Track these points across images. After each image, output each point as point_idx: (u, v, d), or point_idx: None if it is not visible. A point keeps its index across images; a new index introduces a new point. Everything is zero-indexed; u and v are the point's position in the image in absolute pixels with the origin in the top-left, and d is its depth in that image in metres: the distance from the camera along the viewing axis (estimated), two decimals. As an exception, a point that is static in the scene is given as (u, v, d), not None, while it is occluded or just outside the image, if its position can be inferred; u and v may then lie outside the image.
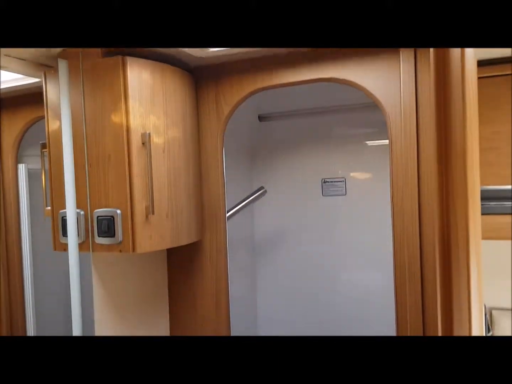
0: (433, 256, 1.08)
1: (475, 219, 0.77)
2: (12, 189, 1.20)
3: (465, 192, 0.79)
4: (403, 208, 1.13)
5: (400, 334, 1.15)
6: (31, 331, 1.12)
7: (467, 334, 0.69)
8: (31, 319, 1.13)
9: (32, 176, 1.20)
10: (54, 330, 1.14)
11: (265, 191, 1.73)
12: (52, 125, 1.12)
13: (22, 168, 1.21)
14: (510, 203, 1.15)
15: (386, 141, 1.21)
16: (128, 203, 1.04)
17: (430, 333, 1.11)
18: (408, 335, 1.14)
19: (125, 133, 1.04)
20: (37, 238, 1.19)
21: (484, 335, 0.69)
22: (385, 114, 1.15)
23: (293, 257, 1.95)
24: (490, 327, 1.47)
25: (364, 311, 1.78)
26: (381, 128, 1.78)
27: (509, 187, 1.16)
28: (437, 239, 0.83)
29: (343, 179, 1.87)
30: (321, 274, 1.88)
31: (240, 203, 1.66)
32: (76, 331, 1.10)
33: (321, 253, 1.90)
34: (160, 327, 1.41)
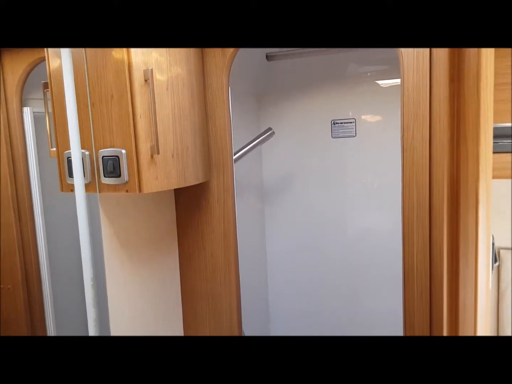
0: (442, 196, 1.07)
1: (487, 157, 0.74)
2: (19, 133, 1.19)
3: (477, 129, 0.76)
4: (413, 147, 1.10)
5: (406, 277, 1.16)
6: (44, 271, 1.15)
7: (472, 269, 0.69)
8: (44, 259, 1.16)
9: (38, 120, 1.19)
10: (66, 270, 1.17)
11: (273, 133, 1.70)
12: (53, 64, 1.09)
13: (27, 111, 1.20)
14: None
15: (398, 81, 1.16)
16: (133, 143, 1.03)
17: (436, 272, 1.12)
18: (415, 276, 1.15)
19: (127, 70, 1.01)
20: (46, 180, 1.19)
21: (490, 270, 0.68)
22: (397, 49, 1.10)
23: (301, 201, 1.95)
24: (497, 258, 1.47)
25: (373, 255, 1.80)
26: (393, 66, 1.71)
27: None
28: (446, 177, 0.81)
29: (353, 120, 1.82)
30: (329, 218, 1.88)
31: (248, 145, 1.64)
32: (87, 272, 1.13)
33: (330, 197, 1.90)
34: (169, 266, 1.44)
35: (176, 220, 1.47)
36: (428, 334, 1.15)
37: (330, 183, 1.89)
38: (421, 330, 1.16)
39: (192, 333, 1.50)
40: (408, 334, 1.17)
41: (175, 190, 1.44)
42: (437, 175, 1.07)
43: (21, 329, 1.04)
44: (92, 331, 1.14)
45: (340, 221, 1.85)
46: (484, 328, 0.65)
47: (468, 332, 0.68)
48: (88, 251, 1.12)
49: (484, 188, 0.71)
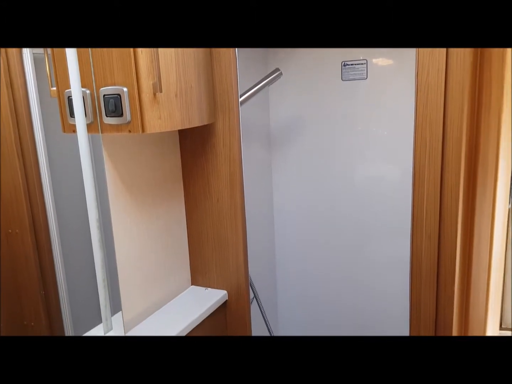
0: (457, 135, 1.02)
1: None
2: (19, 74, 1.15)
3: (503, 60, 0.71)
4: (428, 84, 1.05)
5: (415, 222, 1.14)
6: (51, 215, 1.14)
7: (489, 218, 0.66)
8: (50, 203, 1.15)
9: (38, 61, 1.14)
10: (73, 213, 1.16)
11: (281, 73, 1.64)
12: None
13: (26, 52, 1.15)
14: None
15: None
16: (134, 80, 0.99)
17: (447, 216, 1.09)
18: (424, 220, 1.12)
19: (125, 0, 0.95)
20: (49, 122, 1.17)
21: (507, 220, 0.66)
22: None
23: (309, 149, 1.91)
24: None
25: (382, 204, 1.77)
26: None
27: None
28: (467, 114, 0.76)
29: (365, 62, 1.75)
30: (337, 166, 1.84)
31: (255, 86, 1.59)
32: (92, 214, 1.12)
33: (338, 144, 1.85)
34: (175, 211, 1.43)
35: (181, 164, 1.44)
36: (435, 280, 1.14)
37: (339, 129, 1.84)
38: (428, 277, 1.15)
39: (200, 279, 1.51)
40: (414, 279, 1.17)
41: (180, 133, 1.41)
42: (453, 114, 1.02)
43: (31, 274, 1.05)
44: (99, 273, 1.14)
45: (349, 170, 1.82)
46: (496, 280, 0.63)
47: (480, 279, 0.66)
48: (93, 193, 1.10)
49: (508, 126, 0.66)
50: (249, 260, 1.49)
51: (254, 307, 1.75)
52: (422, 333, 1.16)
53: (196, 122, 1.18)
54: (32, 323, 1.06)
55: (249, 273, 1.56)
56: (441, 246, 1.12)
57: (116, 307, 1.21)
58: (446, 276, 1.13)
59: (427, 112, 1.06)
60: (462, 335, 0.73)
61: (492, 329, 0.66)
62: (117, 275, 1.20)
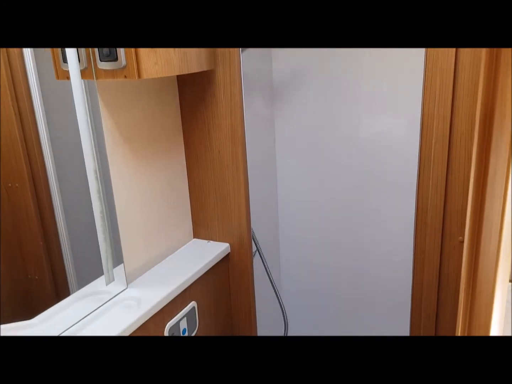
0: (469, 80, 0.97)
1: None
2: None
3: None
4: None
5: (422, 168, 1.11)
6: (50, 167, 1.11)
7: (503, 178, 0.62)
8: (48, 154, 1.12)
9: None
10: (72, 164, 1.13)
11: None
12: None
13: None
14: None
15: None
16: (128, 21, 0.93)
17: (455, 164, 1.06)
18: (431, 167, 1.09)
19: None
20: (44, 70, 1.12)
21: None
22: None
23: (313, 103, 1.85)
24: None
25: (386, 160, 1.73)
26: None
27: None
28: (483, 67, 0.71)
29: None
30: (342, 120, 1.79)
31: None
32: (89, 164, 1.09)
33: (343, 96, 1.79)
34: (175, 163, 1.40)
35: (181, 115, 1.40)
36: (440, 231, 1.12)
37: (344, 81, 1.77)
38: (433, 227, 1.13)
39: (202, 232, 1.50)
40: (418, 230, 1.15)
41: (179, 82, 1.36)
42: (465, 59, 0.97)
43: (32, 228, 1.04)
44: (99, 225, 1.13)
45: (354, 123, 1.77)
46: (509, 229, 0.60)
47: (492, 229, 0.63)
48: (89, 142, 1.07)
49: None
50: (251, 216, 1.47)
51: (257, 262, 1.75)
52: (425, 284, 1.16)
53: (194, 68, 1.13)
54: (36, 277, 1.05)
55: (252, 227, 1.55)
56: (448, 197, 1.09)
57: (118, 259, 1.20)
58: (451, 227, 1.11)
59: (438, 57, 1.01)
60: (469, 287, 0.71)
61: (502, 281, 0.64)
62: (117, 227, 1.19)
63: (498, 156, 0.62)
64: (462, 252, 1.11)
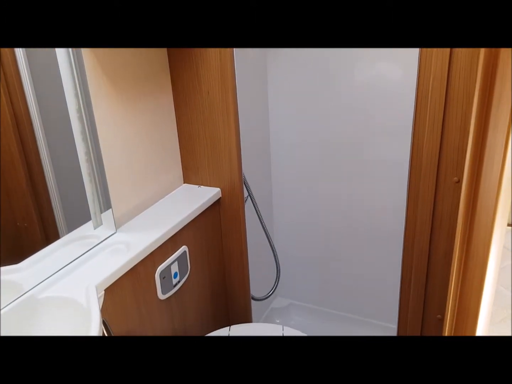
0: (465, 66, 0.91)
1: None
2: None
3: None
4: None
5: (417, 123, 1.06)
6: (33, 110, 1.06)
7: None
8: (31, 97, 1.06)
9: None
10: (56, 106, 1.08)
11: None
12: None
13: None
14: None
15: None
16: None
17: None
18: (427, 116, 1.05)
19: None
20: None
21: None
22: None
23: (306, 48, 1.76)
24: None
25: (381, 103, 1.68)
26: None
27: None
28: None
29: None
30: (336, 66, 1.71)
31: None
32: (71, 104, 1.04)
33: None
34: (163, 107, 1.35)
35: (168, 53, 1.33)
36: (435, 172, 1.09)
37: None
38: (428, 168, 1.10)
39: (193, 177, 1.47)
40: (413, 174, 1.12)
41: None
42: None
43: (18, 175, 0.99)
44: (84, 167, 1.09)
45: (348, 69, 1.70)
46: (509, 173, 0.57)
47: (493, 170, 0.60)
48: (71, 79, 1.01)
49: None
50: (243, 160, 1.44)
51: (248, 208, 1.74)
52: (418, 226, 1.15)
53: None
54: (26, 224, 1.03)
55: (243, 172, 1.52)
56: (444, 136, 1.06)
57: (107, 205, 1.18)
58: (447, 167, 1.08)
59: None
60: (466, 228, 0.69)
61: (500, 224, 0.62)
62: (104, 170, 1.15)
63: (503, 84, 0.58)
64: (457, 193, 1.10)
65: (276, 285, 1.85)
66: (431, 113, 1.04)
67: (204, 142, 1.40)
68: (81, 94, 1.06)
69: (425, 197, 1.10)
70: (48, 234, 1.06)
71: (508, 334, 0.96)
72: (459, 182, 1.07)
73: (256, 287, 1.86)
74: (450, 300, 0.77)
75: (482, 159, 0.64)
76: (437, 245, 1.16)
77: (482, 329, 0.71)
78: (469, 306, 0.72)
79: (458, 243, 0.71)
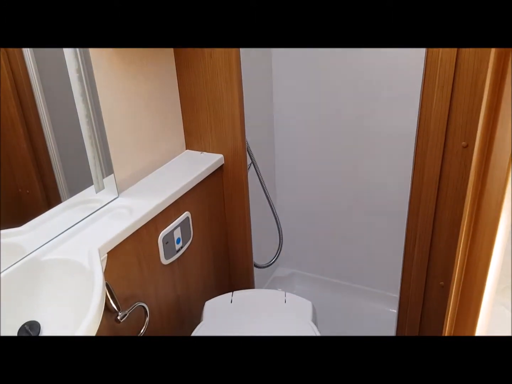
0: None
1: None
2: None
3: None
4: None
5: (426, 88, 1.03)
6: (32, 73, 1.03)
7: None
8: (30, 59, 1.03)
9: None
10: (55, 68, 1.05)
11: None
12: None
13: None
14: None
15: None
16: None
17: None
18: (437, 79, 1.01)
19: None
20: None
21: None
22: None
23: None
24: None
25: (389, 72, 1.63)
26: None
27: None
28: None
29: None
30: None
31: None
32: (71, 66, 1.01)
33: None
34: (166, 70, 1.31)
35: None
36: (443, 140, 1.07)
37: None
38: (436, 135, 1.08)
39: (195, 143, 1.45)
40: (420, 139, 1.10)
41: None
42: None
43: (19, 140, 0.97)
44: (84, 129, 1.07)
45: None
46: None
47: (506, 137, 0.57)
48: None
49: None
50: (246, 127, 1.41)
51: (251, 176, 1.72)
52: (424, 194, 1.13)
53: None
54: (27, 191, 1.01)
55: (246, 139, 1.49)
56: (453, 101, 1.03)
57: (109, 170, 1.16)
58: (455, 132, 1.06)
59: None
60: (477, 194, 0.68)
61: None
62: (105, 134, 1.13)
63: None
64: (464, 158, 1.07)
65: (279, 253, 1.85)
66: (441, 74, 1.01)
67: (207, 107, 1.38)
68: (80, 54, 1.03)
69: (431, 162, 1.08)
70: (50, 199, 1.05)
71: (509, 302, 0.95)
72: (467, 146, 1.05)
73: (259, 256, 1.86)
74: (457, 267, 0.76)
75: (495, 121, 0.62)
76: (442, 212, 1.14)
77: (488, 297, 0.70)
78: (476, 273, 0.71)
79: (468, 208, 0.69)
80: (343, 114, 1.76)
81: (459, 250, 0.74)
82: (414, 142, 1.11)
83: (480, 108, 1.04)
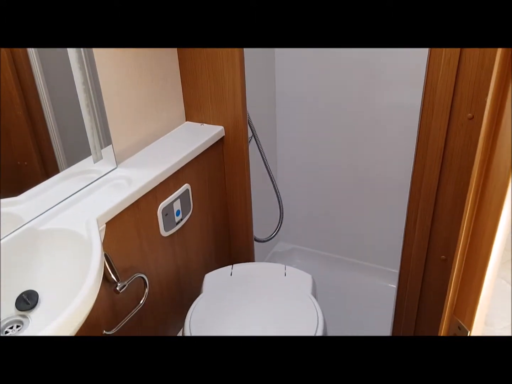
0: None
1: None
2: None
3: None
4: None
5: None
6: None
7: None
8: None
9: None
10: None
11: None
12: None
13: None
14: None
15: None
16: None
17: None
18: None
19: None
20: None
21: None
22: None
23: None
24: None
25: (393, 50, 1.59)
26: None
27: None
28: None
29: None
30: None
31: None
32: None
33: None
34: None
35: None
36: (448, 108, 1.05)
37: None
38: (441, 104, 1.05)
39: (195, 115, 1.42)
40: (425, 111, 1.07)
41: None
42: None
43: (17, 113, 0.95)
44: (81, 97, 1.05)
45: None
46: None
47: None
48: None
49: None
50: (247, 102, 1.38)
51: (252, 150, 1.70)
52: (427, 167, 1.11)
53: None
54: (25, 163, 1.00)
55: (248, 111, 1.47)
56: (460, 70, 1.01)
57: (107, 141, 1.14)
58: (461, 103, 1.03)
59: None
60: (484, 166, 0.66)
61: None
62: (103, 102, 1.11)
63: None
64: (470, 130, 1.05)
65: (279, 227, 1.84)
66: (447, 49, 0.98)
67: (207, 78, 1.35)
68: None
69: (436, 135, 1.06)
70: (48, 170, 1.03)
71: (509, 276, 0.95)
72: (473, 118, 1.02)
73: (259, 231, 1.86)
74: (462, 240, 0.75)
75: (505, 92, 0.60)
76: (445, 186, 1.13)
77: (491, 270, 0.69)
78: (481, 246, 0.70)
79: (474, 180, 0.67)
80: (348, 86, 1.73)
81: (464, 222, 0.73)
82: (418, 116, 1.09)
83: (487, 80, 1.02)
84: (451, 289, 0.74)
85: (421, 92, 1.08)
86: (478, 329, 0.63)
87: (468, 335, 0.60)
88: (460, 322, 0.62)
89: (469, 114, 1.03)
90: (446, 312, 0.65)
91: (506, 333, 0.68)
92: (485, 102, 0.92)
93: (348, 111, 1.77)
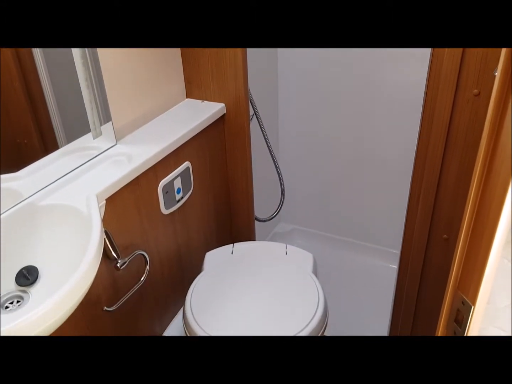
0: None
1: None
2: None
3: None
4: None
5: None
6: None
7: None
8: None
9: None
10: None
11: None
12: None
13: None
14: None
15: None
16: None
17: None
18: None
19: None
20: None
21: None
22: None
23: None
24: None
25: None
26: None
27: None
28: None
29: None
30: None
31: None
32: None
33: None
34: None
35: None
36: (454, 83, 1.03)
37: None
38: (447, 80, 1.03)
39: (196, 92, 1.40)
40: (430, 85, 1.05)
41: None
42: None
43: (16, 90, 0.93)
44: (80, 72, 1.03)
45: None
46: None
47: None
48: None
49: None
50: (249, 80, 1.36)
51: (254, 128, 1.68)
52: (431, 145, 1.10)
53: None
54: (25, 141, 0.98)
55: (249, 88, 1.44)
56: (466, 49, 0.98)
57: (107, 117, 1.12)
58: (468, 78, 1.01)
59: None
60: (491, 143, 0.65)
61: None
62: (102, 78, 1.08)
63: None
64: (475, 106, 1.03)
65: (281, 206, 1.83)
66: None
67: (208, 54, 1.32)
68: None
69: (441, 110, 1.04)
70: (47, 147, 1.02)
71: (509, 256, 0.94)
72: (479, 94, 1.00)
73: (260, 210, 1.85)
74: (466, 218, 0.74)
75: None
76: (449, 164, 1.11)
77: (496, 249, 0.69)
78: (486, 225, 0.69)
79: (481, 158, 0.66)
80: (351, 63, 1.70)
81: (469, 200, 0.72)
82: (423, 93, 1.07)
83: (494, 55, 0.99)
84: (455, 265, 0.73)
85: (426, 68, 1.06)
86: (481, 305, 0.62)
87: (472, 310, 0.60)
88: (464, 297, 0.62)
89: (475, 90, 1.01)
90: (450, 286, 0.64)
91: (507, 311, 0.67)
92: (494, 76, 0.91)
93: (351, 89, 1.74)
